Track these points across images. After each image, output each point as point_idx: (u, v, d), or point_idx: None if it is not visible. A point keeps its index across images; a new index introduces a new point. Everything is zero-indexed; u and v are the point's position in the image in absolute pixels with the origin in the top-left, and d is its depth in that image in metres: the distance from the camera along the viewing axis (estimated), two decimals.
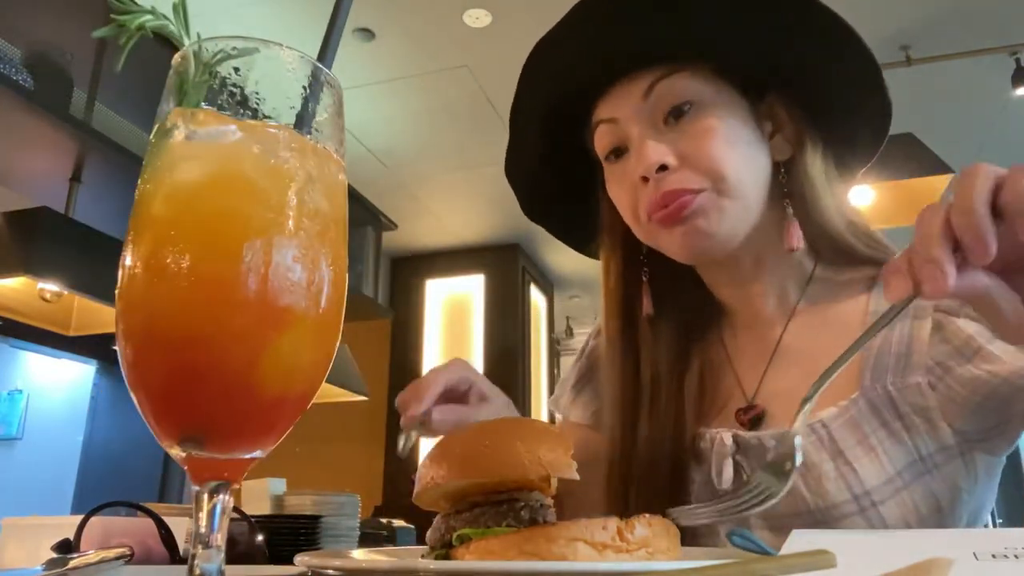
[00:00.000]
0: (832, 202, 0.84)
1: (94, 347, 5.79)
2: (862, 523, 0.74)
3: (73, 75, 2.55)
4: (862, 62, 0.79)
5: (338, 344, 0.43)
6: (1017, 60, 3.41)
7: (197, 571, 0.37)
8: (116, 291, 0.40)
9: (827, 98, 0.84)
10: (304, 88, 0.43)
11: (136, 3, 0.43)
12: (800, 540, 0.51)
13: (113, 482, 5.88)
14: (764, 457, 0.79)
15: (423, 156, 4.44)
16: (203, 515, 0.38)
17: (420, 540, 3.59)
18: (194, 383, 0.38)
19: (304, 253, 0.40)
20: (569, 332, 7.08)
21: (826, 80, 0.82)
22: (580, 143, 0.91)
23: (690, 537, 0.81)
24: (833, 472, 0.75)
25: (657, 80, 0.81)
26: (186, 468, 0.39)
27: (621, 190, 0.85)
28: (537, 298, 5.95)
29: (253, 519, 1.13)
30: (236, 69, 0.41)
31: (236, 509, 1.15)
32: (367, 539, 2.71)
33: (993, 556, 0.45)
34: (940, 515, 0.75)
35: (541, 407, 5.84)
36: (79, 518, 0.92)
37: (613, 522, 0.47)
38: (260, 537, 1.09)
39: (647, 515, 0.49)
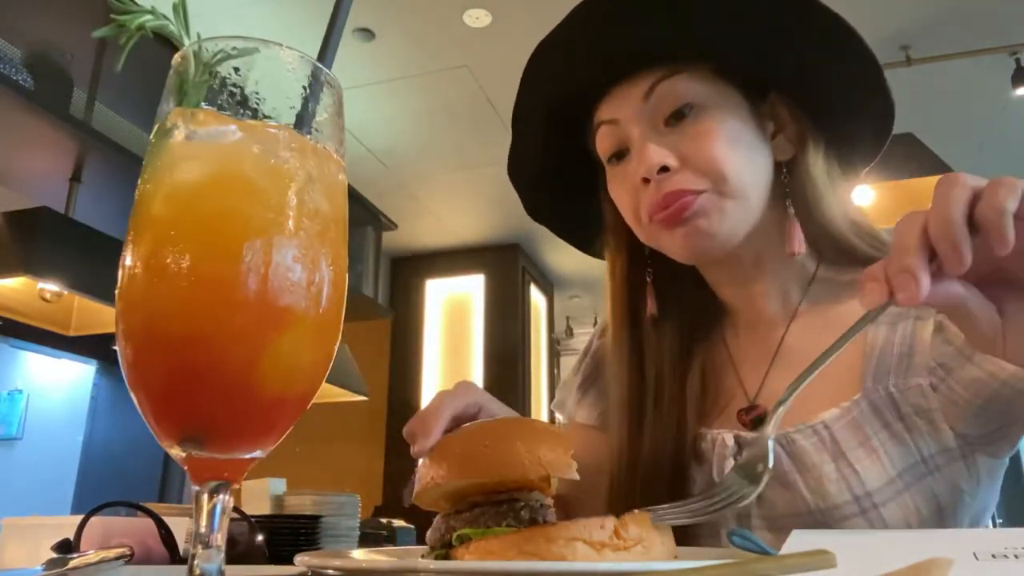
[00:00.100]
0: (834, 202, 0.84)
1: (94, 347, 5.79)
2: (863, 524, 0.74)
3: (73, 75, 2.55)
4: (863, 62, 0.79)
5: (338, 344, 0.43)
6: (1017, 60, 3.41)
7: (197, 571, 0.37)
8: (116, 291, 0.40)
9: (829, 98, 0.84)
10: (304, 88, 0.43)
11: (136, 3, 0.44)
12: (800, 540, 0.51)
13: (113, 482, 5.88)
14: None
15: (423, 156, 4.44)
16: (203, 515, 0.38)
17: (420, 540, 3.60)
18: (194, 383, 0.38)
19: (304, 253, 0.40)
20: (569, 332, 7.08)
21: (827, 80, 0.82)
22: (582, 144, 0.91)
23: (691, 537, 0.81)
24: (834, 473, 0.75)
25: (658, 81, 0.81)
26: (186, 468, 0.39)
27: (622, 191, 0.85)
28: (537, 298, 5.95)
29: (253, 519, 1.13)
30: (236, 69, 0.41)
31: (236, 509, 1.15)
32: (367, 539, 2.71)
33: (993, 556, 0.45)
34: (941, 517, 0.75)
35: (541, 407, 5.84)
36: (79, 518, 0.92)
37: (610, 521, 0.47)
38: (260, 537, 1.09)
39: (637, 511, 0.49)
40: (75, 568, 0.60)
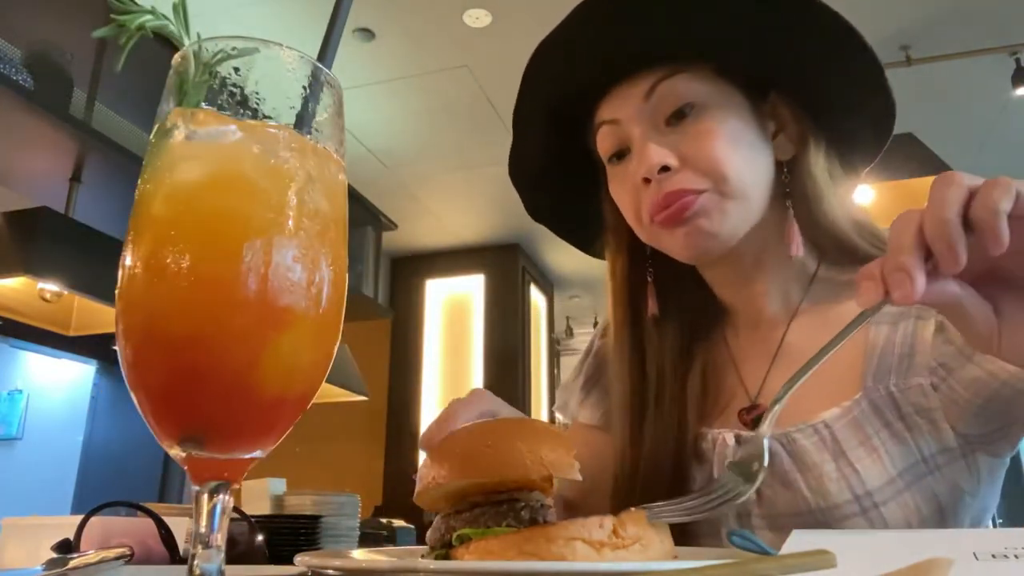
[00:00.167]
0: (836, 201, 0.84)
1: (94, 347, 5.79)
2: (864, 524, 0.74)
3: (73, 75, 2.55)
4: (864, 61, 0.79)
5: (338, 344, 0.43)
6: (1017, 60, 3.41)
7: (197, 571, 0.37)
8: (116, 291, 0.40)
9: (830, 97, 0.84)
10: (304, 88, 0.43)
11: (136, 3, 0.44)
12: (800, 540, 0.51)
13: (113, 482, 5.88)
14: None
15: (423, 156, 4.44)
16: (203, 515, 0.38)
17: (420, 540, 3.59)
18: (194, 383, 0.38)
19: (304, 253, 0.40)
20: (569, 332, 7.08)
21: (828, 79, 0.82)
22: (583, 144, 0.91)
23: (691, 537, 0.82)
24: (835, 472, 0.75)
25: (658, 81, 0.81)
26: (186, 468, 0.39)
27: (623, 191, 0.85)
28: (537, 298, 5.95)
29: (253, 519, 1.13)
30: (236, 69, 0.41)
31: (236, 509, 1.16)
32: (367, 539, 2.71)
33: (993, 556, 0.45)
34: (942, 516, 0.75)
35: (541, 408, 5.84)
36: (79, 518, 0.92)
37: (609, 520, 0.47)
38: (260, 537, 1.09)
39: (633, 509, 0.49)
40: (75, 568, 0.60)
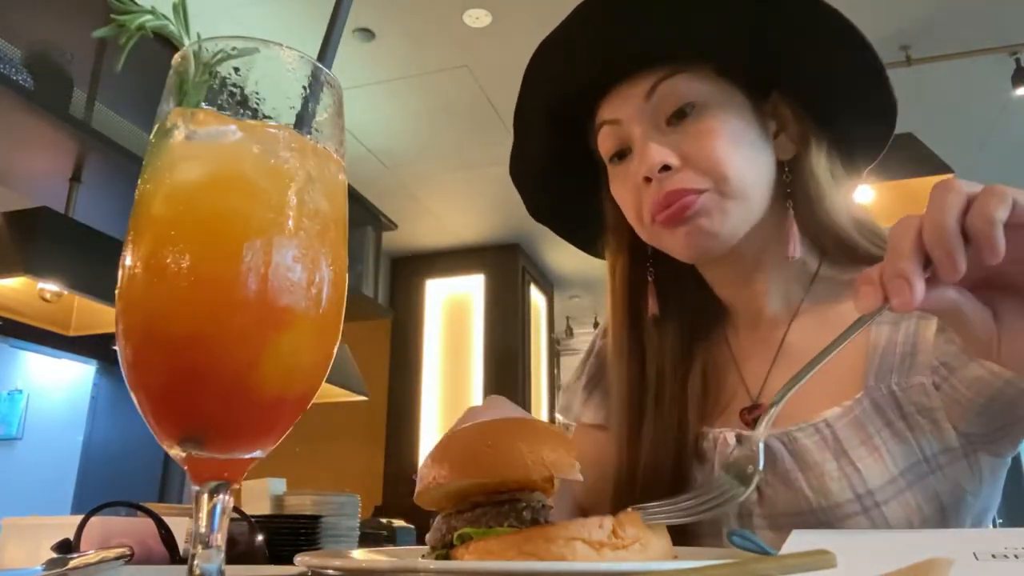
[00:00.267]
0: (838, 200, 0.84)
1: (94, 347, 5.79)
2: (865, 523, 0.74)
3: (73, 75, 2.55)
4: (865, 60, 0.79)
5: (338, 344, 0.43)
6: (1017, 60, 3.41)
7: (197, 571, 0.37)
8: (116, 291, 0.40)
9: (831, 97, 0.84)
10: (304, 88, 0.43)
11: (136, 3, 0.44)
12: (800, 540, 0.51)
13: (113, 482, 5.88)
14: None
15: (423, 156, 4.44)
16: (203, 515, 0.38)
17: (420, 540, 3.60)
18: (194, 383, 0.38)
19: (304, 253, 0.40)
20: (569, 332, 7.08)
21: (830, 79, 0.82)
22: (584, 143, 0.91)
23: (691, 537, 0.82)
24: (836, 472, 0.75)
25: (659, 81, 0.81)
26: (186, 468, 0.39)
27: (625, 191, 0.85)
28: (537, 298, 5.95)
29: (253, 519, 1.13)
30: (236, 69, 0.41)
31: (236, 509, 1.16)
32: (367, 539, 2.71)
33: (993, 556, 0.45)
34: (943, 516, 0.74)
35: (541, 408, 5.84)
36: (79, 518, 0.92)
37: (608, 520, 0.47)
38: (260, 537, 1.09)
39: (630, 510, 0.49)
40: (75, 568, 0.60)
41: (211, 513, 0.38)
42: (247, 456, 0.40)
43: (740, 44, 0.80)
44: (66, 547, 0.84)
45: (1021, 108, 3.88)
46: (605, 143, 0.86)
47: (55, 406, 6.61)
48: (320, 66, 0.43)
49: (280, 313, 0.38)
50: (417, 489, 0.55)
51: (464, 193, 4.89)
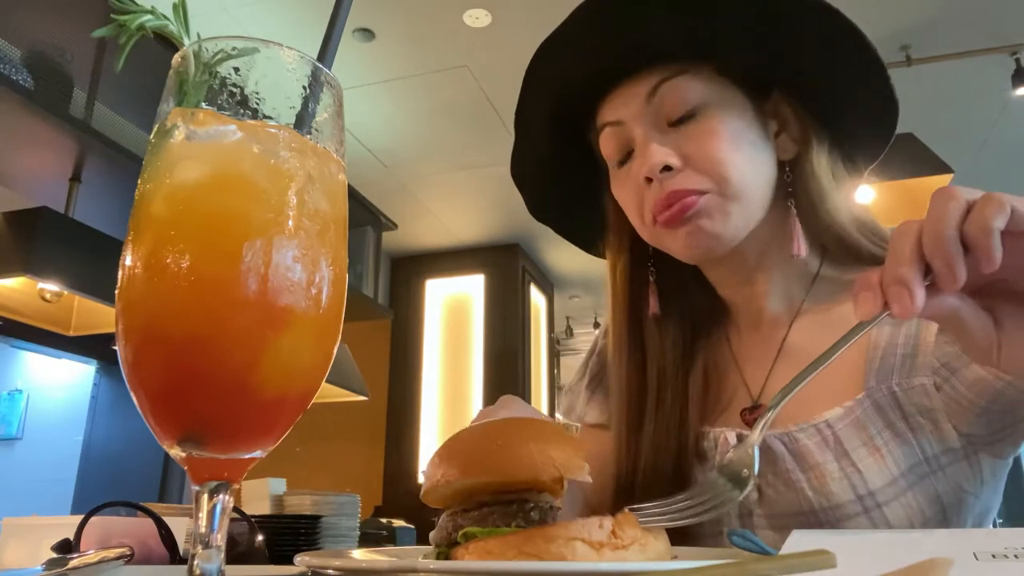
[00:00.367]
0: (839, 200, 0.84)
1: (94, 347, 5.79)
2: (866, 524, 0.73)
3: (73, 75, 2.54)
4: (866, 60, 0.79)
5: (338, 344, 0.43)
6: (1017, 60, 3.41)
7: (197, 571, 0.37)
8: (116, 291, 0.40)
9: (832, 97, 0.84)
10: (304, 88, 0.43)
11: (136, 3, 0.44)
12: (800, 540, 0.51)
13: (113, 482, 5.88)
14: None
15: (423, 156, 4.44)
16: (203, 515, 0.38)
17: (420, 540, 3.59)
18: (194, 383, 0.38)
19: (304, 253, 0.40)
20: (569, 332, 7.08)
21: (831, 79, 0.82)
22: (586, 143, 0.91)
23: (691, 537, 0.82)
24: (838, 472, 0.75)
25: (661, 82, 0.81)
26: (186, 468, 0.39)
27: (626, 191, 0.85)
28: (537, 298, 5.95)
29: (253, 519, 1.13)
30: (236, 69, 0.41)
31: (236, 509, 1.16)
32: (367, 539, 2.71)
33: (993, 556, 0.45)
34: (944, 517, 0.74)
35: (541, 408, 5.84)
36: (79, 518, 0.92)
37: (608, 520, 0.47)
38: (260, 537, 1.09)
39: (626, 510, 0.49)
40: (75, 568, 0.60)
41: (211, 513, 0.38)
42: (247, 456, 0.40)
43: (741, 44, 0.80)
44: (66, 547, 0.84)
45: (1021, 108, 3.88)
46: (607, 144, 0.86)
47: (55, 406, 6.61)
48: (320, 66, 0.43)
49: (280, 313, 0.38)
50: (424, 487, 0.55)
51: (464, 193, 4.89)
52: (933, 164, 3.06)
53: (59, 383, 6.64)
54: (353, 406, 3.94)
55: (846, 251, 0.85)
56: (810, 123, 0.84)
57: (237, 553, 1.06)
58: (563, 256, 5.83)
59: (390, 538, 3.24)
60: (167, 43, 0.44)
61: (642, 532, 0.48)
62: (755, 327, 0.90)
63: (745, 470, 0.54)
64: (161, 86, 0.42)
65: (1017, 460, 0.80)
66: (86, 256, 2.37)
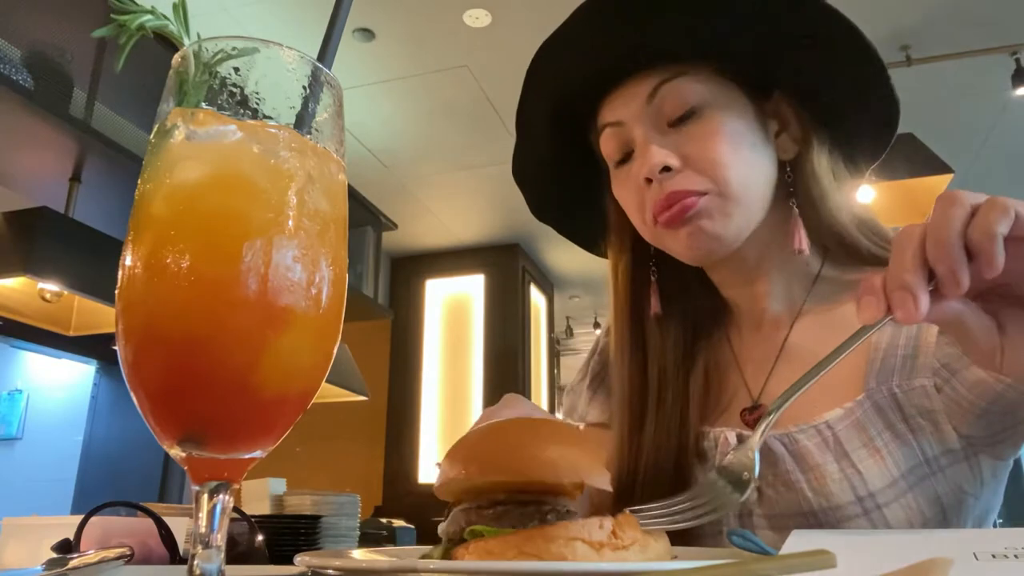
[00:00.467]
0: (840, 199, 0.84)
1: (94, 347, 5.79)
2: (866, 525, 0.73)
3: (73, 75, 2.54)
4: (867, 61, 0.79)
5: (338, 344, 0.43)
6: (1017, 60, 3.41)
7: (197, 571, 0.37)
8: (116, 291, 0.40)
9: (832, 97, 0.84)
10: (304, 88, 0.43)
11: (136, 3, 0.44)
12: (800, 540, 0.51)
13: (113, 482, 5.88)
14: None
15: (423, 156, 4.44)
16: (203, 515, 0.38)
17: (420, 540, 3.59)
18: (194, 383, 0.38)
19: (304, 253, 0.40)
20: (569, 332, 7.08)
21: (831, 80, 0.82)
22: (587, 142, 0.92)
23: (691, 537, 0.82)
24: (838, 473, 0.75)
25: (661, 83, 0.81)
26: (186, 468, 0.39)
27: (627, 192, 0.85)
28: (537, 298, 5.95)
29: (253, 519, 1.13)
30: (236, 69, 0.41)
31: (236, 509, 1.16)
32: (367, 539, 2.71)
33: (993, 556, 0.45)
34: (945, 518, 0.74)
35: (541, 407, 5.82)
36: (79, 518, 0.92)
37: (608, 521, 0.47)
38: (260, 537, 1.09)
39: (626, 511, 0.49)
40: (75, 568, 0.60)
41: (211, 513, 0.38)
42: (247, 456, 0.40)
43: (741, 45, 0.80)
44: (66, 547, 0.84)
45: (1021, 108, 3.88)
46: (607, 145, 0.86)
47: (55, 406, 6.61)
48: (320, 66, 0.43)
49: (280, 313, 0.38)
50: (439, 480, 0.54)
51: (464, 193, 4.89)
52: (933, 164, 3.06)
53: (59, 383, 6.64)
54: (353, 406, 3.94)
55: (847, 251, 0.85)
56: (811, 123, 0.84)
57: (237, 553, 1.06)
58: (563, 256, 5.83)
59: (390, 538, 3.24)
60: (167, 43, 0.44)
61: (642, 533, 0.48)
62: (756, 327, 0.90)
63: (745, 473, 0.54)
64: (161, 86, 0.42)
65: (1017, 461, 0.80)
66: (86, 256, 2.37)
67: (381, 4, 3.17)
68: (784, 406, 0.55)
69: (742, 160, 0.79)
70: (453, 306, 5.62)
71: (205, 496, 0.39)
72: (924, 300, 0.49)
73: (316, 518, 1.68)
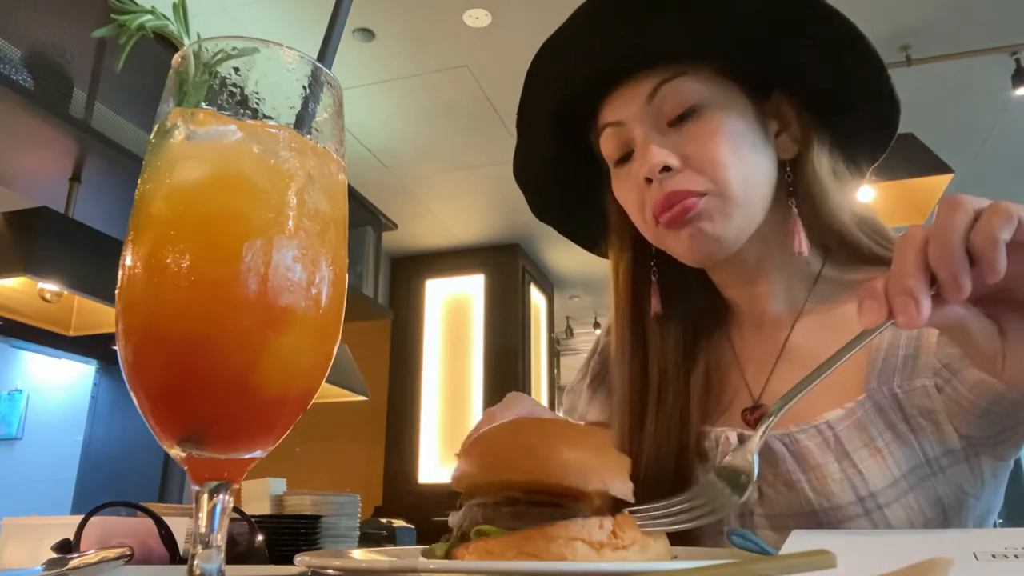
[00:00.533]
0: (841, 199, 0.84)
1: (94, 347, 5.79)
2: (867, 525, 0.73)
3: (73, 75, 2.54)
4: (867, 60, 0.79)
5: (338, 344, 0.43)
6: (1017, 60, 3.41)
7: (197, 571, 0.37)
8: (116, 291, 0.40)
9: (833, 97, 0.84)
10: (304, 88, 0.43)
11: (136, 3, 0.44)
12: (800, 540, 0.51)
13: (113, 482, 5.88)
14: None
15: (423, 156, 4.44)
16: (203, 515, 0.38)
17: (420, 540, 3.59)
18: (194, 383, 0.38)
19: (304, 253, 0.40)
20: (569, 332, 7.08)
21: (831, 79, 0.82)
22: (588, 142, 0.92)
23: (692, 537, 0.82)
24: (839, 473, 0.75)
25: (661, 83, 0.81)
26: (186, 468, 0.39)
27: (627, 192, 0.85)
28: (537, 298, 5.95)
29: (253, 519, 1.13)
30: (236, 69, 0.41)
31: (236, 509, 1.16)
32: (367, 539, 2.71)
33: (993, 556, 0.45)
34: (945, 518, 0.74)
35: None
36: (79, 518, 0.92)
37: (608, 521, 0.47)
38: (260, 537, 1.09)
39: (625, 511, 0.49)
40: (75, 568, 0.60)
41: (211, 513, 0.38)
42: (247, 456, 0.40)
43: (741, 45, 0.80)
44: (66, 547, 0.84)
45: (1021, 108, 3.88)
46: (608, 145, 0.86)
47: (55, 406, 6.61)
48: (320, 66, 0.43)
49: (280, 313, 0.38)
50: (458, 472, 0.54)
51: (464, 193, 4.89)
52: (933, 164, 3.06)
53: (59, 383, 6.64)
54: (353, 406, 3.94)
55: (848, 251, 0.85)
56: (811, 123, 0.84)
57: (237, 553, 1.06)
58: (563, 256, 5.83)
59: (390, 538, 3.24)
60: (167, 43, 0.44)
61: (642, 533, 0.48)
62: (757, 327, 0.90)
63: (744, 476, 0.54)
64: (161, 86, 0.42)
65: (1017, 462, 0.80)
66: (86, 256, 2.37)
67: (381, 4, 3.17)
68: (784, 409, 0.55)
69: (742, 160, 0.79)
70: (453, 306, 5.62)
71: (205, 496, 0.39)
72: (926, 305, 0.49)
73: (316, 518, 1.68)
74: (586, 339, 6.89)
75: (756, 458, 0.55)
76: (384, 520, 3.47)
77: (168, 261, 0.37)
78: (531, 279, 5.77)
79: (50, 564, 0.61)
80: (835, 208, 0.83)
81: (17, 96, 2.19)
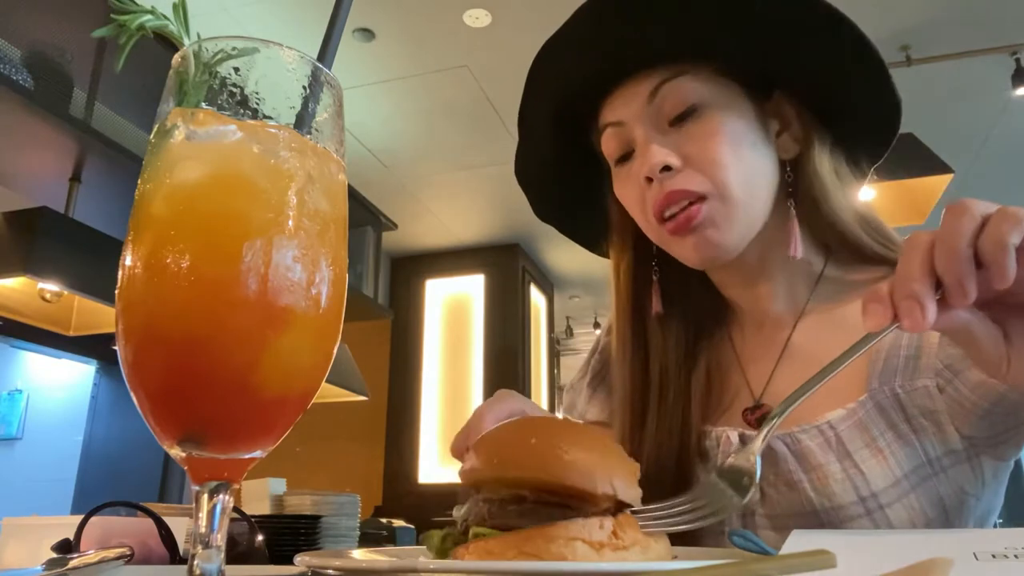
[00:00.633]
0: (842, 199, 0.84)
1: (94, 347, 5.79)
2: (868, 525, 0.73)
3: (73, 75, 2.54)
4: (868, 60, 0.79)
5: (338, 344, 0.43)
6: (1017, 60, 3.41)
7: (197, 571, 0.37)
8: (116, 291, 0.40)
9: (834, 96, 0.84)
10: (304, 88, 0.43)
11: (136, 3, 0.44)
12: (800, 540, 0.51)
13: (113, 482, 5.88)
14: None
15: (423, 156, 4.44)
16: (203, 515, 0.38)
17: (420, 540, 3.59)
18: (194, 383, 0.38)
19: (304, 253, 0.40)
20: (569, 332, 7.08)
21: (832, 79, 0.82)
22: (589, 142, 0.92)
23: (692, 537, 0.82)
24: (840, 473, 0.75)
25: (662, 82, 0.81)
26: (186, 468, 0.39)
27: (628, 191, 0.85)
28: (537, 298, 5.95)
29: (253, 519, 1.13)
30: (236, 69, 0.41)
31: (236, 509, 1.16)
32: (367, 539, 2.71)
33: (993, 556, 0.45)
34: (946, 519, 0.74)
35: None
36: (79, 518, 0.92)
37: (609, 521, 0.47)
38: (260, 537, 1.09)
39: (628, 512, 0.49)
40: (75, 568, 0.60)
41: (211, 513, 0.38)
42: (247, 456, 0.40)
43: (742, 45, 0.80)
44: (66, 547, 0.84)
45: (1021, 108, 3.88)
46: (608, 145, 0.86)
47: (55, 406, 6.61)
48: (320, 66, 0.43)
49: (280, 313, 0.38)
50: (468, 466, 0.53)
51: (464, 193, 4.89)
52: (933, 164, 3.06)
53: (59, 383, 6.64)
54: (353, 406, 3.94)
55: (850, 250, 0.85)
56: (812, 123, 0.84)
57: (237, 553, 1.06)
58: (563, 256, 5.83)
59: (390, 538, 3.24)
60: (167, 43, 0.44)
61: (643, 533, 0.48)
62: (759, 327, 0.90)
63: (746, 477, 0.54)
64: (161, 86, 0.42)
65: (1017, 462, 0.80)
66: (86, 256, 2.37)
67: (381, 4, 3.17)
68: (787, 411, 0.55)
69: (742, 160, 0.79)
70: (453, 306, 5.62)
71: (205, 496, 0.39)
72: (931, 309, 0.49)
73: (316, 518, 1.68)
74: (586, 339, 6.89)
75: (758, 460, 0.55)
76: (384, 520, 3.47)
77: (168, 261, 0.37)
78: (531, 279, 5.77)
79: (50, 564, 0.61)
80: (837, 208, 0.83)
81: (17, 96, 2.19)
